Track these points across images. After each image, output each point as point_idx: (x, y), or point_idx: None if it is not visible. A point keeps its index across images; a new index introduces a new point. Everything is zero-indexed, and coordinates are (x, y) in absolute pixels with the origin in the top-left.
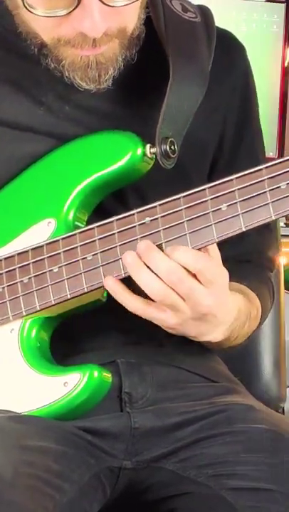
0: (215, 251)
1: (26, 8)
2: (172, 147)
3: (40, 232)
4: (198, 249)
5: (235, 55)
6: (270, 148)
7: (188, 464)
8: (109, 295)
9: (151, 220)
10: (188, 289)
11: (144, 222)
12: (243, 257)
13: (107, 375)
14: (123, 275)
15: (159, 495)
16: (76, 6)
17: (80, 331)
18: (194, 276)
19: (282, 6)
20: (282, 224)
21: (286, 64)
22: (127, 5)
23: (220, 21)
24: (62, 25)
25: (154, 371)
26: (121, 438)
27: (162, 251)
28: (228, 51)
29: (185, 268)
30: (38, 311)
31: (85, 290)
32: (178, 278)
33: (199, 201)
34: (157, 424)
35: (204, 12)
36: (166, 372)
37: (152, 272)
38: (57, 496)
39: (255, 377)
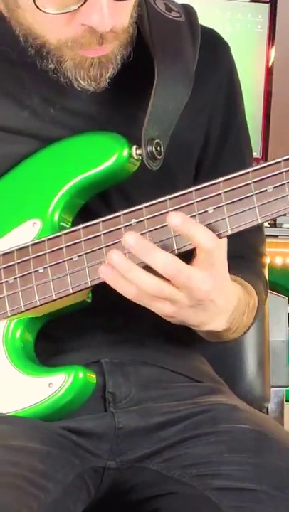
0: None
1: (37, 7)
2: (158, 148)
3: (25, 233)
4: (185, 251)
5: (220, 53)
6: (254, 148)
7: (172, 463)
8: (93, 295)
9: (137, 222)
10: (187, 278)
11: (130, 224)
12: (235, 254)
13: (92, 376)
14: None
15: (143, 495)
16: (85, 1)
17: (63, 331)
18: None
19: (267, 6)
20: (266, 224)
21: (270, 64)
22: None
23: (204, 21)
24: (70, 23)
25: (137, 371)
26: (105, 438)
27: None
28: (214, 50)
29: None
30: (23, 311)
31: (71, 291)
32: (175, 269)
33: (186, 203)
34: (141, 424)
35: (188, 11)
36: (148, 372)
37: (141, 268)
38: (41, 495)
39: (239, 377)
